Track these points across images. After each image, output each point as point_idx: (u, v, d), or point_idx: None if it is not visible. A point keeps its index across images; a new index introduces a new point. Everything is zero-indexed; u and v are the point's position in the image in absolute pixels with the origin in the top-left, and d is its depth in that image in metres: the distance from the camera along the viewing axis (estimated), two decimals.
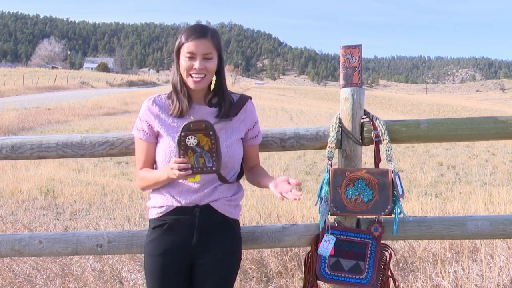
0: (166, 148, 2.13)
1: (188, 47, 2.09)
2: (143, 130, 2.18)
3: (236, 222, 2.24)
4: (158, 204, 2.17)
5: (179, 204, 2.13)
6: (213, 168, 1.99)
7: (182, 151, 1.96)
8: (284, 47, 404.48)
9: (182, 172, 1.94)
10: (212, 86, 2.19)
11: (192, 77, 2.10)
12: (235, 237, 2.23)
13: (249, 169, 2.31)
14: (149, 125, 2.17)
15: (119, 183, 8.40)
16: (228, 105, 2.17)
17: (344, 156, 2.47)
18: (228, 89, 2.25)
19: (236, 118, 2.19)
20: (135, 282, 3.60)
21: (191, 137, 1.96)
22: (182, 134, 1.96)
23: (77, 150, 2.47)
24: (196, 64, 2.08)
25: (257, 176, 2.26)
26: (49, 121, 18.61)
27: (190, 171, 1.95)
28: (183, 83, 2.14)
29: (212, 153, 1.98)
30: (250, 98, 2.27)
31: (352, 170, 2.40)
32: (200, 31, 2.10)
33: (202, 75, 2.09)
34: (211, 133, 1.97)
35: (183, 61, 2.10)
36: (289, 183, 2.02)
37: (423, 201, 7.03)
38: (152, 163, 2.20)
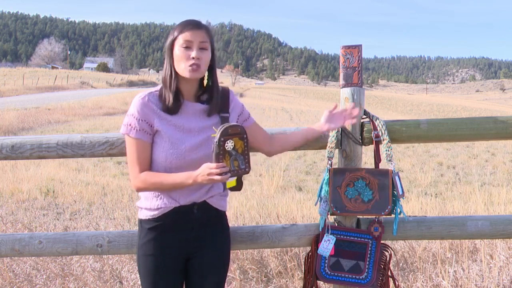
0: (167, 149, 2.09)
1: (184, 37, 2.08)
2: (143, 130, 2.09)
3: (224, 213, 2.29)
4: (154, 206, 2.14)
5: (177, 204, 2.13)
6: (246, 170, 2.07)
7: (221, 156, 2.00)
8: (284, 47, 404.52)
9: (223, 176, 1.97)
10: (205, 82, 2.19)
11: (190, 66, 2.08)
12: (226, 228, 2.30)
13: (268, 142, 2.35)
14: (148, 123, 2.09)
15: (119, 183, 8.39)
16: (219, 101, 2.19)
17: (344, 156, 2.47)
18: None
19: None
20: (135, 282, 3.60)
21: (229, 141, 2.02)
22: (222, 139, 2.00)
23: (77, 150, 2.46)
24: (193, 53, 2.07)
25: (291, 138, 2.37)
26: (49, 121, 18.61)
27: (229, 174, 2.00)
28: (174, 77, 2.11)
29: (245, 155, 2.06)
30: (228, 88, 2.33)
31: (352, 170, 2.40)
32: (194, 23, 2.11)
33: (198, 65, 2.08)
34: (245, 136, 2.05)
35: (179, 51, 2.08)
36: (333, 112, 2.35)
37: (423, 201, 7.03)
38: (149, 163, 2.14)
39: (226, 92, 2.25)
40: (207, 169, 1.98)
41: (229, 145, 2.01)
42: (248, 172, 2.08)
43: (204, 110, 2.16)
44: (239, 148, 2.04)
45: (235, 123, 2.07)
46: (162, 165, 2.11)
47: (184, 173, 2.06)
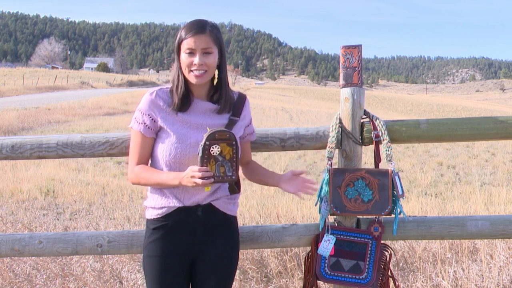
0: (171, 144, 2.10)
1: (187, 43, 2.08)
2: (144, 123, 2.13)
3: (234, 218, 2.26)
4: (159, 205, 2.15)
5: (181, 205, 2.12)
6: (233, 177, 2.03)
7: (205, 160, 1.97)
8: (284, 47, 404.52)
9: (205, 181, 1.95)
10: (215, 81, 2.18)
11: (193, 72, 2.09)
12: (235, 234, 2.25)
13: (244, 165, 2.35)
14: (152, 118, 2.13)
15: (119, 183, 8.39)
16: (229, 101, 2.17)
17: (344, 156, 2.47)
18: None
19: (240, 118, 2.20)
20: (135, 282, 3.60)
21: (215, 146, 1.98)
22: (207, 143, 1.97)
23: (77, 150, 2.47)
24: (196, 59, 2.07)
25: (257, 173, 2.33)
26: (49, 121, 18.60)
27: (212, 180, 1.97)
28: (183, 79, 2.12)
29: (233, 162, 2.01)
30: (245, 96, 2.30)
31: (352, 170, 2.40)
32: (198, 27, 2.09)
33: (202, 71, 2.08)
34: (234, 143, 2.01)
35: (184, 57, 2.09)
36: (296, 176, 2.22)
37: (423, 201, 7.03)
38: (147, 159, 2.18)
39: (242, 98, 2.24)
40: (191, 172, 1.98)
41: (215, 150, 1.98)
42: (234, 180, 2.04)
43: (215, 109, 2.16)
44: (226, 154, 2.00)
45: (224, 129, 2.03)
46: (165, 159, 2.11)
47: (173, 173, 2.07)
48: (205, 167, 1.96)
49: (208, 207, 2.14)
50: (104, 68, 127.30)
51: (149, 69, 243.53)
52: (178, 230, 2.14)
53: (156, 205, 2.16)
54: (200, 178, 1.95)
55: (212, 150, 1.97)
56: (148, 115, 2.13)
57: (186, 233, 2.14)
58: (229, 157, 2.00)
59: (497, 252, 3.79)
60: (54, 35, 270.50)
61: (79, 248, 2.52)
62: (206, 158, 1.97)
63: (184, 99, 2.11)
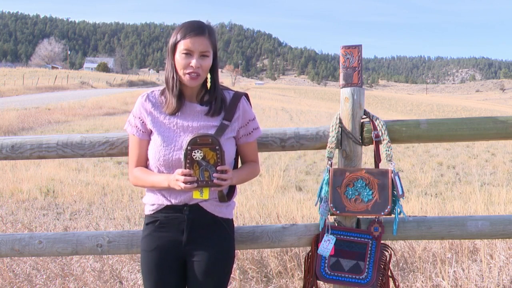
0: (156, 146, 2.13)
1: (185, 44, 2.07)
2: (136, 126, 2.18)
3: (228, 221, 2.22)
4: (151, 202, 2.20)
5: (169, 203, 2.15)
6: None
7: (188, 165, 1.98)
8: (284, 47, 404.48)
9: (188, 185, 1.98)
10: (208, 84, 2.18)
11: (188, 74, 2.08)
12: (226, 237, 2.21)
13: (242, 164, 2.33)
14: (142, 121, 2.18)
15: (119, 183, 8.39)
16: (220, 103, 2.16)
17: (344, 156, 2.47)
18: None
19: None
20: (135, 282, 3.60)
21: (197, 151, 1.99)
22: (189, 148, 1.98)
23: (77, 150, 2.47)
24: (193, 62, 2.07)
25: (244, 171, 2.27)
26: (49, 121, 18.60)
27: (195, 184, 1.98)
28: (176, 79, 2.12)
29: (217, 167, 2.00)
30: (245, 94, 2.25)
31: (352, 170, 2.40)
32: (198, 29, 2.09)
33: (197, 74, 2.08)
34: (217, 147, 2.00)
35: (180, 57, 2.09)
36: None
37: (423, 201, 7.03)
38: (145, 160, 2.21)
39: (236, 99, 2.19)
40: (177, 175, 2.01)
41: (197, 155, 1.98)
42: (220, 185, 2.02)
43: (203, 111, 2.15)
44: (210, 159, 1.99)
45: (207, 134, 2.02)
46: (154, 163, 2.15)
47: (164, 175, 2.10)
48: (187, 171, 1.98)
49: (195, 207, 2.14)
50: (104, 68, 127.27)
51: (149, 69, 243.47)
52: (166, 227, 2.16)
53: (149, 202, 2.21)
54: (183, 182, 1.98)
55: (194, 155, 1.98)
56: (139, 118, 2.18)
57: (174, 230, 2.15)
58: (213, 161, 2.00)
59: (497, 252, 3.79)
60: (54, 35, 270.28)
61: (79, 248, 2.53)
62: (189, 163, 1.98)
63: (177, 102, 2.12)
